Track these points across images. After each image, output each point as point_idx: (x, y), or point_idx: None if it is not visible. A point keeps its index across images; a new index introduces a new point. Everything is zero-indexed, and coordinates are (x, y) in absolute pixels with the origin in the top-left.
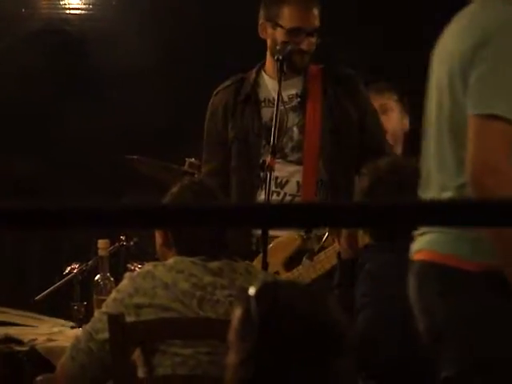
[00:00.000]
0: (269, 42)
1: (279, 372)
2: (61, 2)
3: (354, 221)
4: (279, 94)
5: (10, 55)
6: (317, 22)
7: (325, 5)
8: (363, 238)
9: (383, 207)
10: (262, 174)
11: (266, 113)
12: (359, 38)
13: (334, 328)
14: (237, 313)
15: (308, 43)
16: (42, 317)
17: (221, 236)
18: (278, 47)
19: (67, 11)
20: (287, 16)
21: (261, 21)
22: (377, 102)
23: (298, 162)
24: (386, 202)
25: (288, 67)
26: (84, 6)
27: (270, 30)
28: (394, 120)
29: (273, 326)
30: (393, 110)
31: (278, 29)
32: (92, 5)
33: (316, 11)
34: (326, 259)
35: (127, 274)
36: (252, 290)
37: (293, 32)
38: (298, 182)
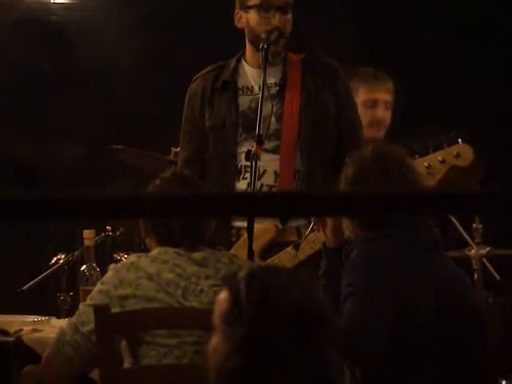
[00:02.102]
0: (245, 29)
1: (271, 359)
2: None
3: (339, 210)
4: (264, 82)
5: None
6: None
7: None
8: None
9: (368, 196)
10: (243, 162)
11: (244, 101)
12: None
13: (324, 313)
14: (224, 298)
15: (279, 19)
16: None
17: (201, 226)
18: (263, 35)
19: (51, 1)
20: None
21: (236, 11)
22: (372, 95)
23: (275, 151)
24: (370, 191)
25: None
26: None
27: (243, 17)
28: (384, 112)
29: (264, 311)
30: (386, 104)
31: (250, 11)
32: None
33: None
34: (308, 245)
35: (111, 266)
36: (241, 275)
37: (262, 8)
38: (275, 172)
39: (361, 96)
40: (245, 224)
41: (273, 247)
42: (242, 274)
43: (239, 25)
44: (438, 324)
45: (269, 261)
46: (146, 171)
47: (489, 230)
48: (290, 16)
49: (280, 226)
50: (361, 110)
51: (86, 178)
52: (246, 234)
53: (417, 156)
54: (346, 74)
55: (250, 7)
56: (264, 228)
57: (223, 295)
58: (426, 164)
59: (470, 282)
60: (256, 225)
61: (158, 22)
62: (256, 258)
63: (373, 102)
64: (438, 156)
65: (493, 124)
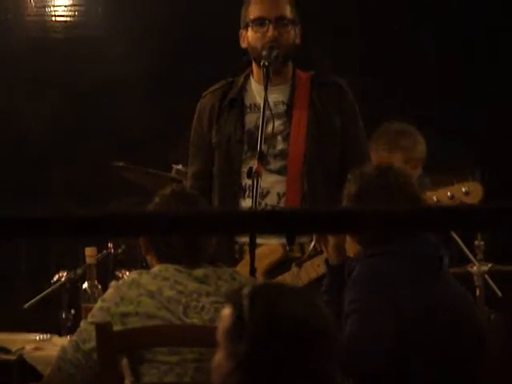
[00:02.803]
0: (248, 48)
1: (274, 375)
2: (47, 10)
3: (342, 226)
4: (265, 100)
5: None
6: (285, 12)
7: None
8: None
9: (370, 212)
10: (244, 179)
11: (251, 118)
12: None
13: (327, 329)
14: (227, 314)
15: (273, 31)
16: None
17: (202, 243)
18: (263, 53)
19: (53, 18)
20: (251, 11)
21: (240, 31)
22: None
23: (280, 172)
24: (372, 207)
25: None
26: (70, 14)
27: (245, 36)
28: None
29: (267, 328)
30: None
31: (248, 29)
32: (78, 12)
33: (283, 2)
34: (312, 268)
35: (112, 283)
36: (244, 292)
37: (257, 23)
38: (278, 194)
39: (397, 161)
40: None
41: (278, 265)
42: (246, 290)
43: (243, 45)
44: (440, 340)
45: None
46: (147, 188)
47: (490, 246)
48: (289, 29)
49: (287, 247)
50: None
51: (87, 195)
52: (256, 251)
53: (426, 190)
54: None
55: (247, 25)
56: (271, 248)
57: (227, 311)
58: (434, 198)
59: (472, 299)
60: (262, 240)
61: (160, 40)
62: (261, 278)
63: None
64: (448, 191)
65: (506, 165)
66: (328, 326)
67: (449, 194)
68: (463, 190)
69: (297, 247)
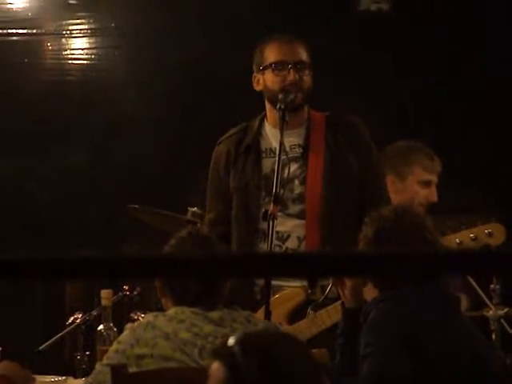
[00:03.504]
0: (263, 91)
1: None
2: (63, 53)
3: (359, 270)
4: (281, 143)
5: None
6: (303, 57)
7: None
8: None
9: (387, 256)
10: (263, 223)
11: (267, 163)
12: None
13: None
14: (217, 368)
15: (294, 74)
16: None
17: (219, 286)
18: (280, 96)
19: (70, 62)
20: (269, 54)
21: (253, 75)
22: (429, 176)
23: (299, 216)
24: (388, 250)
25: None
26: (86, 57)
27: (260, 79)
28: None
29: (267, 371)
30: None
31: (266, 72)
32: (94, 55)
33: (300, 47)
34: (328, 316)
35: (128, 325)
36: (230, 343)
37: (277, 67)
38: (298, 238)
39: (417, 173)
40: (277, 282)
41: (302, 309)
42: (231, 341)
43: (258, 88)
44: (457, 383)
45: (290, 328)
46: (162, 231)
47: (506, 290)
48: (307, 73)
49: (309, 290)
50: (415, 187)
51: (102, 238)
52: (278, 294)
53: (449, 232)
54: (402, 150)
55: (265, 68)
56: (293, 291)
57: (215, 367)
58: (457, 240)
59: (488, 342)
60: (283, 282)
61: (175, 84)
62: (283, 322)
63: (428, 182)
64: (470, 233)
65: None
66: (320, 370)
67: (472, 235)
68: (486, 231)
69: (318, 289)
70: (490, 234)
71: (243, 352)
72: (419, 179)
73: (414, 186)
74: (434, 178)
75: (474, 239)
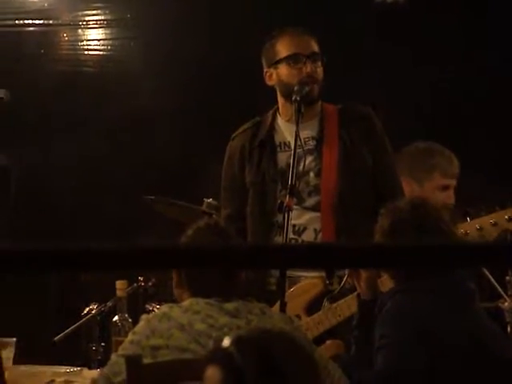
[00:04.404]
0: (277, 85)
1: None
2: (79, 44)
3: (375, 261)
4: (297, 135)
5: (31, 95)
6: (315, 48)
7: None
8: (383, 283)
9: (403, 248)
10: (279, 216)
11: (282, 157)
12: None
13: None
14: (214, 372)
15: (310, 67)
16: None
17: (234, 277)
18: (295, 88)
19: (86, 52)
20: (282, 48)
21: (265, 70)
22: (448, 181)
23: (315, 209)
24: (405, 243)
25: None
26: (102, 48)
27: (274, 74)
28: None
29: (266, 368)
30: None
31: (279, 66)
32: (110, 46)
33: (311, 39)
34: (347, 306)
35: (143, 316)
36: (225, 345)
37: (292, 59)
38: (315, 230)
39: (436, 179)
40: (292, 272)
41: (320, 301)
42: (226, 342)
43: (270, 82)
44: (472, 376)
45: (308, 320)
46: (178, 222)
47: None
48: (319, 64)
49: (327, 281)
50: (435, 191)
51: (119, 229)
52: (295, 286)
53: (469, 218)
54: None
55: (278, 62)
56: (311, 282)
57: (211, 372)
58: (477, 226)
59: (503, 334)
60: (300, 273)
61: (191, 75)
62: (302, 314)
63: (447, 187)
64: (491, 219)
65: None
66: (316, 366)
67: (491, 221)
68: (506, 216)
69: (336, 280)
70: (510, 219)
71: (241, 352)
72: (438, 185)
73: (432, 191)
74: (452, 183)
75: (495, 224)
